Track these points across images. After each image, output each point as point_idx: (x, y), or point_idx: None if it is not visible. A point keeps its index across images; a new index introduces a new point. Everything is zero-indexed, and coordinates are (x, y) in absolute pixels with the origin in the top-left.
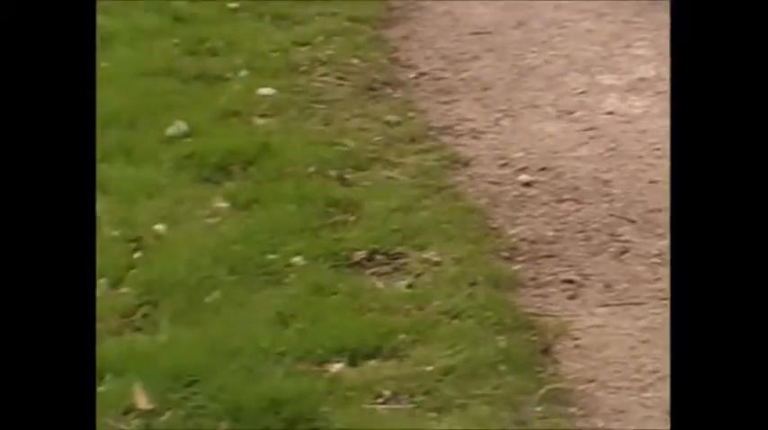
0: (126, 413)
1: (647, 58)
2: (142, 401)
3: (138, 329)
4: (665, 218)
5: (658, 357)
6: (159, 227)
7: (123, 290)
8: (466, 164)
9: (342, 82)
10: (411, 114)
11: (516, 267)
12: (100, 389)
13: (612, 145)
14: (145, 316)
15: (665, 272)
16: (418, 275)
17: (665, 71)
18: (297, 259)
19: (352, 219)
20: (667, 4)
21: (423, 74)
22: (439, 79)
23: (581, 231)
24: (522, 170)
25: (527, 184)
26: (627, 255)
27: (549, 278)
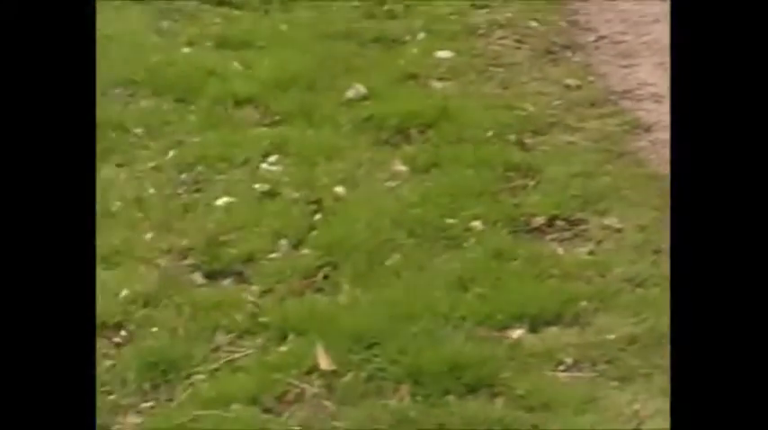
0: (309, 373)
1: None
2: (324, 362)
3: (320, 290)
4: None
5: None
6: (339, 189)
7: (304, 251)
8: (647, 129)
9: (520, 45)
10: (591, 78)
11: None
12: (282, 348)
13: None
14: (326, 277)
15: None
16: (599, 242)
17: None
18: (476, 223)
19: (531, 183)
20: None
21: (602, 37)
22: (619, 42)
23: None
24: None
25: None
26: None
27: None
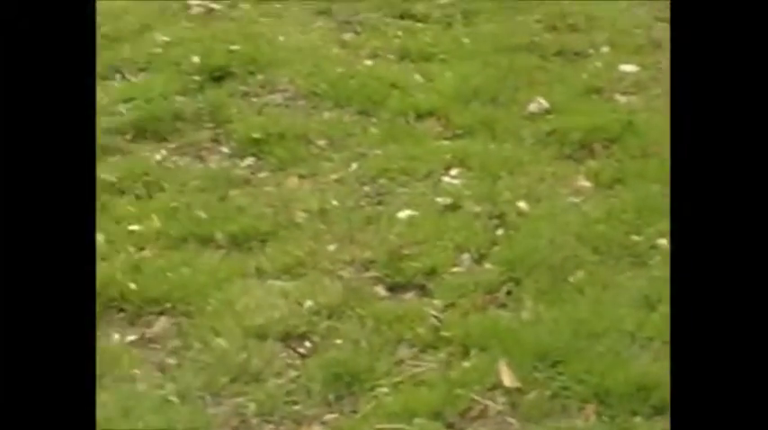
0: (492, 389)
1: None
2: (508, 379)
3: (503, 306)
4: None
5: None
6: (521, 204)
7: (487, 266)
8: None
9: None
10: None
11: None
12: (465, 363)
13: None
14: (508, 293)
15: None
16: None
17: None
18: (662, 241)
19: None
20: None
21: None
22: None
23: None
24: None
25: None
26: None
27: None
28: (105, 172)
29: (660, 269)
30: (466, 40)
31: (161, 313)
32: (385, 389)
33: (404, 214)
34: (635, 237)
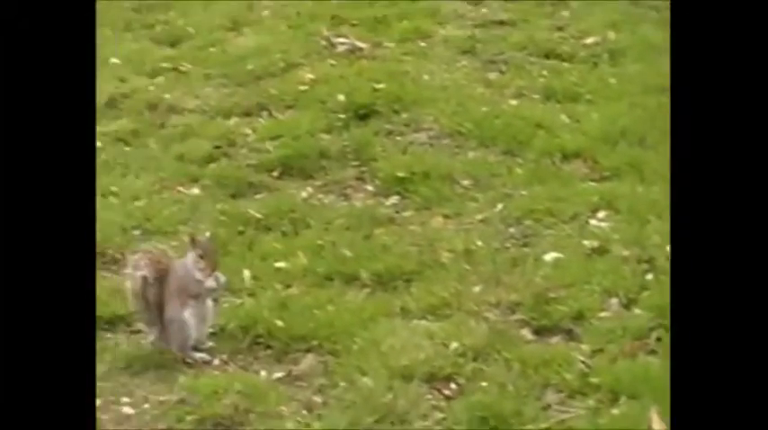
0: None
1: None
2: (659, 427)
3: (652, 352)
4: None
5: None
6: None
7: (636, 311)
8: None
9: None
10: None
11: None
12: (614, 411)
13: None
14: (658, 339)
15: None
16: None
17: None
18: None
19: None
20: None
21: None
22: None
23: None
24: None
25: None
26: None
27: None
28: (252, 208)
29: None
30: (612, 80)
31: (308, 351)
32: None
33: (550, 256)
34: None
